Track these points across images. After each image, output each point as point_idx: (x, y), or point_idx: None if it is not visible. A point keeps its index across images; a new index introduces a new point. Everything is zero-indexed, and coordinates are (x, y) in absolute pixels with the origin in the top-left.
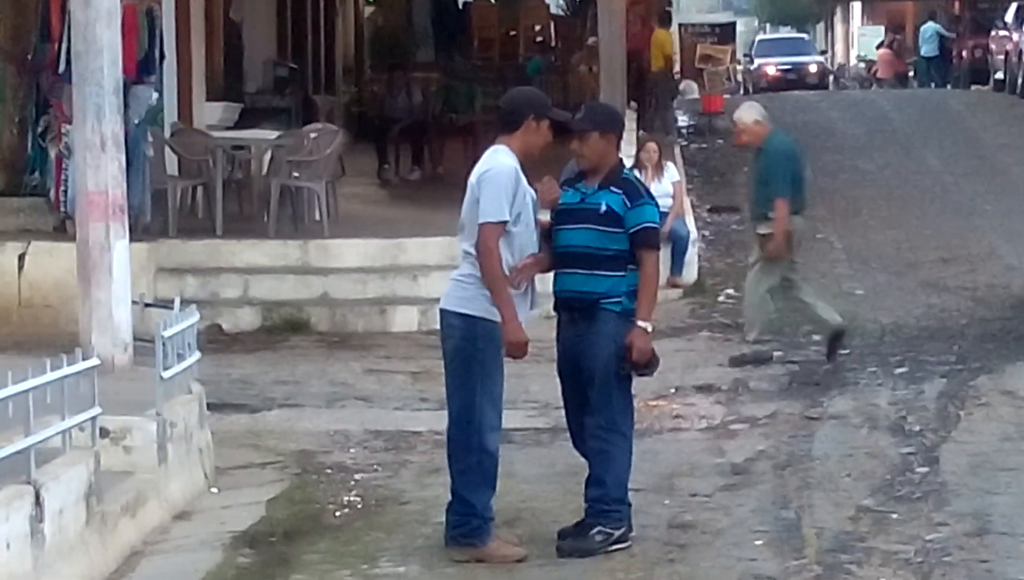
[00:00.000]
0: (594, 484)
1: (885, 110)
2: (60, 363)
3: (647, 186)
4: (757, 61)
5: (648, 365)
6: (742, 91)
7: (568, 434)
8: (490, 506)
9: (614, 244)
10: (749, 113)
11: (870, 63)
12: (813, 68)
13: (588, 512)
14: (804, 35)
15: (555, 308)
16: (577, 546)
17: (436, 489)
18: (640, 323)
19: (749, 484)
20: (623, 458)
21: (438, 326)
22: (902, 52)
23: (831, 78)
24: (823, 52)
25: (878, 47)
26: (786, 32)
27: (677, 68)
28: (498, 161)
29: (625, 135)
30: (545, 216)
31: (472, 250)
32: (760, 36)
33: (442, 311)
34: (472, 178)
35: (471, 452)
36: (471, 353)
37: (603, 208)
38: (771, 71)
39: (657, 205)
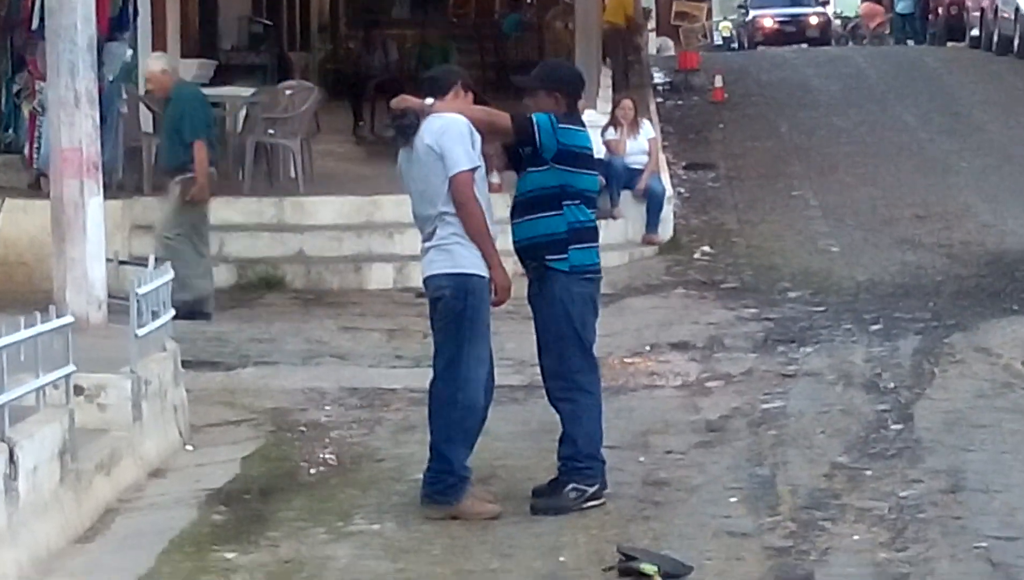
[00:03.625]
0: (566, 442)
1: (861, 67)
2: (34, 321)
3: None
4: (752, 13)
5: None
6: (736, 45)
7: (544, 391)
8: (466, 465)
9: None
10: (156, 63)
11: (847, 20)
12: (814, 20)
13: (561, 470)
14: None
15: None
16: (551, 504)
17: (411, 446)
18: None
19: (724, 441)
20: (591, 415)
21: (413, 284)
22: (885, 3)
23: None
24: (824, 3)
25: (862, 2)
26: None
27: (652, 25)
28: (447, 117)
29: (601, 92)
30: (495, 178)
31: (448, 209)
32: None
33: (428, 278)
34: (426, 141)
35: (455, 407)
36: (461, 309)
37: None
38: (768, 24)
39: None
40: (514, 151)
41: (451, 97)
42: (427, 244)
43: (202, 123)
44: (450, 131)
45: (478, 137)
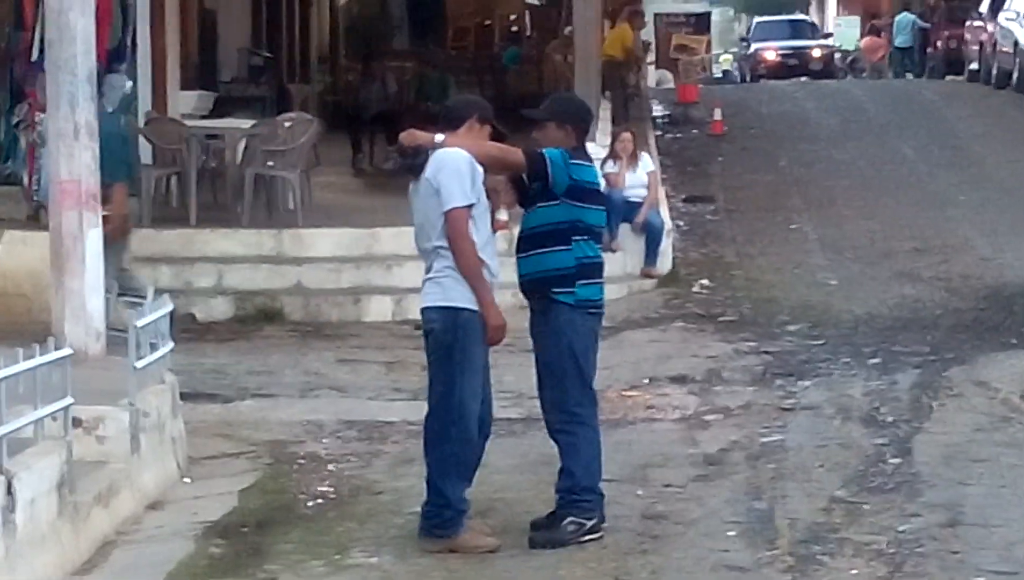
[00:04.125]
0: (564, 475)
1: (860, 100)
2: (33, 353)
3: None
4: (754, 45)
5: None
6: (739, 79)
7: (544, 424)
8: (464, 498)
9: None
10: None
11: (846, 53)
12: (817, 53)
13: (559, 503)
14: (807, 16)
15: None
16: (549, 537)
17: (409, 479)
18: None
19: (722, 475)
20: (590, 448)
21: (411, 316)
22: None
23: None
24: (828, 35)
25: (862, 37)
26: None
27: (651, 59)
28: (448, 153)
29: (600, 125)
30: (503, 215)
31: (442, 243)
32: (757, 18)
33: (422, 310)
34: (426, 174)
35: (449, 442)
36: (451, 343)
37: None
38: (770, 56)
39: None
40: (520, 185)
41: (464, 130)
42: (425, 276)
43: (122, 164)
44: (448, 167)
45: (480, 173)
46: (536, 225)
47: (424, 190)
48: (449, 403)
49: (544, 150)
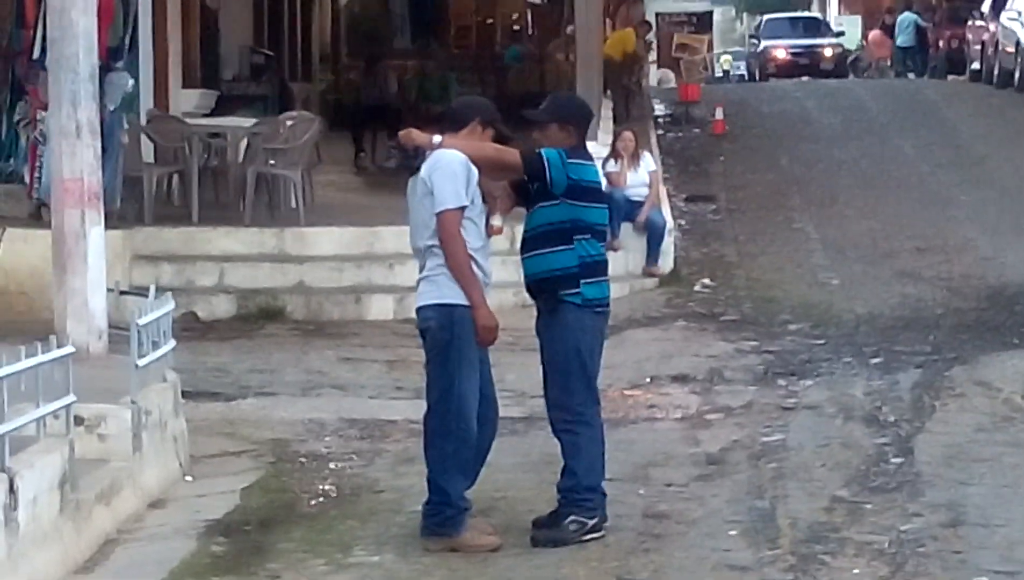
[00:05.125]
0: (567, 475)
1: (861, 99)
2: (35, 350)
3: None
4: (764, 43)
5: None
6: (747, 77)
7: (547, 422)
8: (464, 496)
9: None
10: None
11: (847, 53)
12: (828, 52)
13: (561, 502)
14: (819, 15)
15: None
16: (551, 536)
17: (411, 478)
18: None
19: (724, 474)
20: (593, 447)
21: (414, 314)
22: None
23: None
24: (839, 34)
25: (864, 36)
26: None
27: (653, 57)
28: (444, 154)
29: (602, 124)
30: (497, 221)
31: (435, 242)
32: (767, 16)
33: (418, 309)
34: (421, 174)
35: (450, 439)
36: (448, 340)
37: None
38: (780, 55)
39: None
40: (522, 186)
41: (466, 132)
42: (419, 275)
43: None
44: (442, 168)
45: (475, 174)
46: (537, 225)
47: (419, 190)
48: (448, 400)
49: (542, 150)
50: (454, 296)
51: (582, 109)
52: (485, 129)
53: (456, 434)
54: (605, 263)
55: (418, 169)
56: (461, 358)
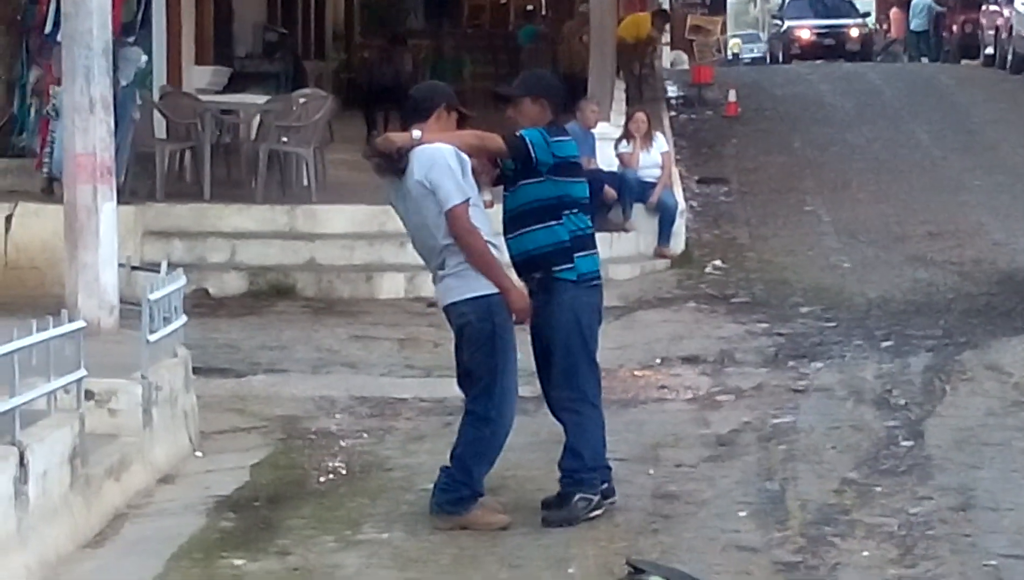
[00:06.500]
0: (570, 455)
1: (875, 84)
2: (46, 325)
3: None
4: (787, 23)
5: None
6: (768, 59)
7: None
8: (482, 482)
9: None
10: None
11: (872, 32)
12: (855, 32)
13: (566, 483)
14: None
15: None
16: (562, 515)
17: (421, 456)
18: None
19: (734, 455)
20: (596, 428)
21: (424, 294)
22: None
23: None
24: (866, 14)
25: (877, 18)
26: None
27: (667, 39)
28: (432, 150)
29: (614, 105)
30: (486, 195)
31: (450, 241)
32: None
33: (447, 307)
34: (416, 177)
35: (489, 425)
36: (491, 330)
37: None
38: (805, 35)
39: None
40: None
41: (433, 120)
42: (441, 273)
43: None
44: (438, 165)
45: (467, 161)
46: (524, 203)
47: (416, 192)
48: (492, 391)
49: (523, 132)
50: (484, 287)
51: (554, 83)
52: (450, 113)
53: (496, 422)
54: (593, 235)
55: (403, 171)
56: (506, 346)
